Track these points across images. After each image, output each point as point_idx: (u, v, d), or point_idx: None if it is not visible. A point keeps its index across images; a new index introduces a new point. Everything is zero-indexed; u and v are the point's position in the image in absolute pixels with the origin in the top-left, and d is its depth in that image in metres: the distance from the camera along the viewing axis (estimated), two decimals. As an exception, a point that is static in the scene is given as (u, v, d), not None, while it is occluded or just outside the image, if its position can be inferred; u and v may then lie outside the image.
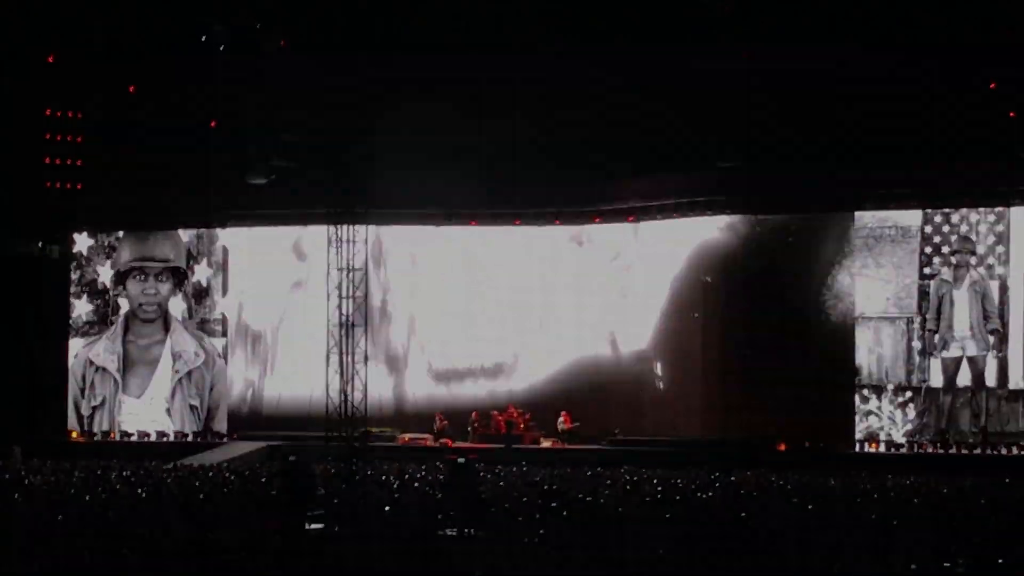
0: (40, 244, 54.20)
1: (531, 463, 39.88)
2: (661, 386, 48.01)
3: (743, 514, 24.98)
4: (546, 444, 46.48)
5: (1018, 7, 42.13)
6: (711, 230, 47.31)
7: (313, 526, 24.94)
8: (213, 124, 51.44)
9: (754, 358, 46.08)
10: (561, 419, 46.93)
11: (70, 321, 52.45)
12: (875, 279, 45.03)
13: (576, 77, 47.00)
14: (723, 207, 47.18)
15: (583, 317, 49.37)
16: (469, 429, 47.08)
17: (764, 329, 45.93)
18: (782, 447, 44.24)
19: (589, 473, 36.90)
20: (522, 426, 46.96)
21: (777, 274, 46.18)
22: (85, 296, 52.62)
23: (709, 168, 46.69)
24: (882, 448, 44.17)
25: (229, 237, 51.50)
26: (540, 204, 49.55)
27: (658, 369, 48.18)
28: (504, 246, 50.12)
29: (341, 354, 29.00)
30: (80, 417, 51.79)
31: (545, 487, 31.80)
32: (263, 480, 31.70)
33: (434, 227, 50.05)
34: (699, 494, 30.14)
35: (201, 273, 51.60)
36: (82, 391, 52.02)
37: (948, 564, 15.78)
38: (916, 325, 44.53)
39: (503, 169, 48.43)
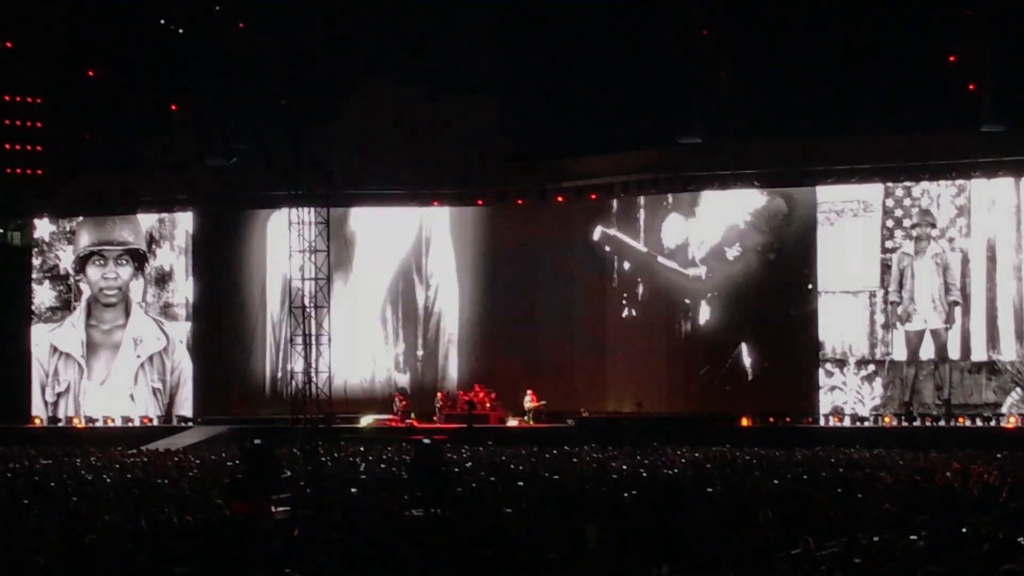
0: (1, 231, 53.98)
1: (497, 443, 39.98)
2: (625, 364, 48.05)
3: (709, 490, 25.06)
4: (512, 423, 46.47)
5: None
6: (673, 206, 47.42)
7: (278, 509, 24.87)
8: (174, 108, 51.28)
9: (716, 334, 46.29)
10: (527, 397, 46.92)
11: (32, 307, 52.21)
12: (837, 253, 45.13)
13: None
14: (685, 183, 47.20)
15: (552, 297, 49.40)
16: (436, 409, 47.03)
17: (726, 305, 46.12)
18: (746, 422, 44.32)
19: (555, 452, 36.99)
20: (488, 405, 46.94)
21: (739, 249, 46.28)
22: (47, 282, 52.38)
23: (669, 143, 46.78)
24: (847, 422, 44.32)
25: (191, 221, 51.25)
26: (501, 184, 49.56)
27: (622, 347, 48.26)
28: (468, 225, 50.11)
29: (305, 336, 28.93)
30: (45, 403, 51.59)
31: (511, 467, 31.89)
32: (228, 464, 31.64)
33: (397, 207, 49.92)
34: (665, 471, 30.23)
35: (163, 257, 51.37)
36: (47, 375, 51.82)
37: (913, 537, 15.85)
38: (879, 299, 44.68)
39: (466, 150, 48.47)
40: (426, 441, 28.60)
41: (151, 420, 50.35)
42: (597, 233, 48.88)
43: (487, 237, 50.04)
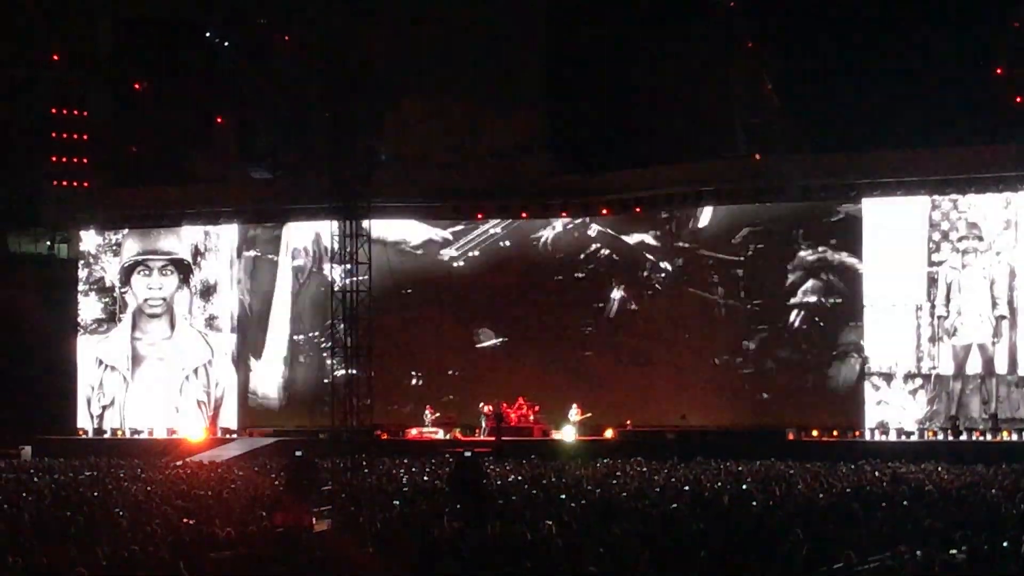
0: (48, 243, 54.33)
1: (541, 456, 39.90)
2: (669, 377, 47.91)
3: (753, 503, 24.94)
4: (557, 436, 46.32)
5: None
6: (714, 218, 47.31)
7: (319, 521, 24.89)
8: (219, 120, 51.54)
9: (762, 347, 46.17)
10: (573, 409, 46.75)
11: (79, 319, 52.49)
12: (884, 266, 44.86)
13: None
14: (730, 196, 47.06)
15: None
16: (482, 422, 46.84)
17: (773, 318, 46.01)
18: (791, 436, 44.06)
19: (599, 465, 36.88)
20: (531, 419, 46.82)
21: (784, 262, 46.16)
22: (93, 294, 52.65)
23: (713, 157, 46.65)
24: (893, 436, 44.00)
25: (236, 233, 51.40)
26: (546, 197, 49.51)
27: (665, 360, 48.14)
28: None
29: (347, 349, 28.94)
30: (90, 415, 51.86)
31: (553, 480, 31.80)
32: (270, 476, 31.70)
33: (440, 221, 49.94)
34: (708, 485, 30.08)
35: (208, 269, 51.57)
36: (92, 387, 52.09)
37: (954, 551, 15.73)
38: (925, 312, 44.38)
39: (510, 163, 48.54)
40: (467, 454, 28.59)
41: (195, 432, 50.45)
42: (642, 246, 48.76)
43: (531, 250, 49.95)
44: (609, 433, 46.10)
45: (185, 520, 23.39)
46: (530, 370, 49.30)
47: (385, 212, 45.95)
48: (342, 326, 29.10)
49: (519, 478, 32.79)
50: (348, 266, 29.59)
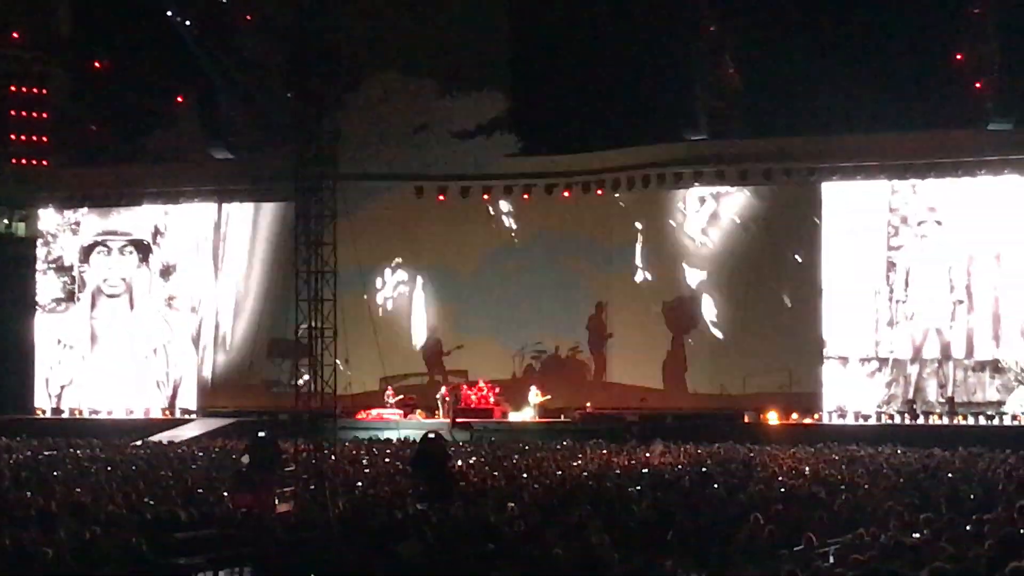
0: (6, 221, 54.00)
1: (502, 437, 40.02)
2: (630, 360, 48.06)
3: (715, 486, 25.07)
4: (516, 418, 46.44)
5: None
6: (677, 202, 47.44)
7: (282, 502, 24.88)
8: (180, 99, 51.29)
9: (722, 330, 46.37)
10: (533, 392, 46.84)
11: (37, 298, 52.20)
12: (842, 250, 45.05)
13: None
14: (691, 179, 47.19)
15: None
16: (439, 404, 46.85)
17: (734, 302, 46.19)
18: (747, 419, 44.24)
19: (559, 447, 37.02)
20: (491, 400, 46.93)
21: (744, 246, 46.33)
22: (51, 273, 52.36)
23: (676, 139, 46.73)
24: (850, 419, 44.23)
25: (197, 212, 51.25)
26: (508, 178, 49.50)
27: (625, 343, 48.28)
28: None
29: (310, 330, 28.84)
30: (48, 395, 51.61)
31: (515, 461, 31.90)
32: (232, 457, 31.64)
33: (405, 201, 49.84)
34: (668, 467, 30.24)
35: (168, 249, 51.35)
36: (51, 367, 51.84)
37: (917, 534, 15.87)
38: (883, 296, 44.60)
39: (473, 144, 48.51)
40: (429, 435, 28.63)
41: (153, 412, 50.34)
42: (603, 227, 48.89)
43: (493, 231, 49.95)
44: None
45: (146, 500, 23.37)
46: (491, 351, 49.35)
47: (349, 193, 45.80)
48: (305, 306, 29.01)
49: (481, 459, 32.91)
50: (312, 246, 29.48)
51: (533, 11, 47.76)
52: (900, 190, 44.64)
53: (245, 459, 25.27)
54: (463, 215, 49.95)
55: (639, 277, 48.27)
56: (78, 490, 24.76)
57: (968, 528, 16.09)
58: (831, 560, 14.12)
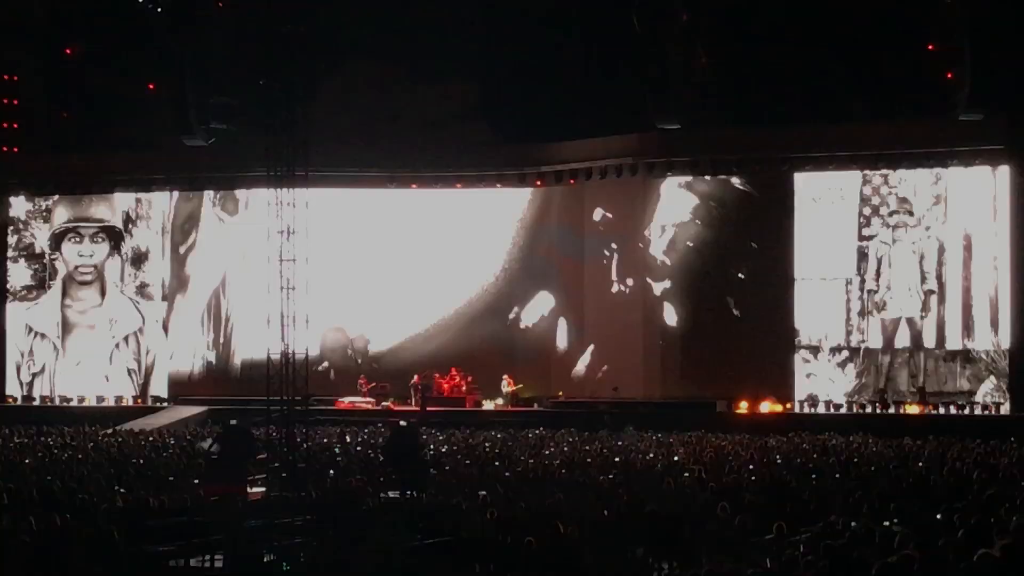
0: (-24, 209, 53.80)
1: (474, 426, 40.01)
2: (602, 349, 48.10)
3: (685, 475, 25.14)
4: (488, 406, 46.48)
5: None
6: (649, 191, 47.48)
7: (254, 490, 24.89)
8: (151, 87, 51.09)
9: (695, 320, 46.45)
10: (504, 381, 46.90)
11: (7, 286, 52.01)
12: (814, 240, 45.17)
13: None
14: (664, 169, 47.22)
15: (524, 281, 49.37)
16: (411, 392, 46.81)
17: (704, 292, 46.28)
18: (718, 408, 44.34)
19: (531, 436, 37.06)
20: (464, 389, 46.98)
21: (716, 235, 46.39)
22: (22, 260, 52.19)
23: (649, 129, 46.73)
24: (821, 408, 44.38)
25: (168, 200, 51.14)
26: (480, 167, 49.45)
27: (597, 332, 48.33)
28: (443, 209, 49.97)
29: (282, 317, 28.88)
30: (20, 383, 51.46)
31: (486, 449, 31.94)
32: (203, 444, 31.57)
33: (375, 190, 49.77)
34: (640, 456, 30.30)
35: (140, 237, 51.24)
36: (22, 355, 51.68)
37: (887, 523, 15.95)
38: (855, 286, 44.76)
39: (446, 133, 48.46)
40: (402, 424, 28.67)
41: (125, 400, 50.23)
42: (575, 217, 48.93)
43: (465, 221, 49.87)
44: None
45: (118, 488, 23.34)
46: (464, 341, 49.33)
47: (320, 181, 45.84)
48: (279, 295, 29.01)
49: (453, 448, 32.94)
50: (283, 234, 29.49)
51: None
52: (872, 180, 44.79)
53: (215, 447, 25.27)
54: (436, 203, 49.87)
55: (612, 266, 48.24)
56: (49, 478, 24.71)
57: (938, 517, 16.17)
58: (801, 549, 14.16)
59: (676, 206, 47.04)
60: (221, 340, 50.55)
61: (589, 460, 29.39)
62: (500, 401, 46.75)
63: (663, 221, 47.21)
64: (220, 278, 50.64)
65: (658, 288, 47.26)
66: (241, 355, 49.61)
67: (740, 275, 46.07)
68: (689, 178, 46.96)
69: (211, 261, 50.78)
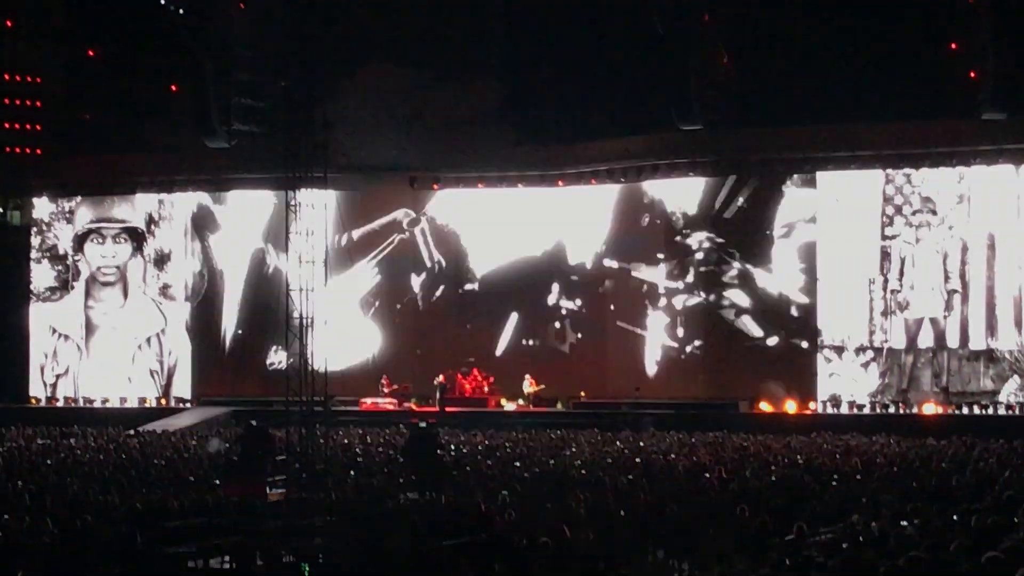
0: (0, 210, 53.97)
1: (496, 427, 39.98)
2: (624, 350, 47.99)
3: (706, 475, 25.10)
4: (510, 407, 46.40)
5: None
6: (674, 191, 47.38)
7: (274, 491, 24.92)
8: (174, 88, 51.19)
9: (717, 320, 46.36)
10: (527, 381, 46.82)
11: (31, 287, 52.18)
12: (837, 239, 45.02)
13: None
14: (686, 169, 47.10)
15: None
16: (437, 393, 46.68)
17: (726, 291, 46.18)
18: (741, 409, 44.24)
19: (553, 436, 37.00)
20: (485, 389, 46.95)
21: (741, 235, 46.26)
22: (46, 261, 52.36)
23: (671, 129, 46.62)
24: (845, 409, 44.24)
25: (191, 201, 51.26)
26: (503, 168, 49.37)
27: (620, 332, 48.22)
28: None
29: (302, 318, 28.91)
30: (43, 384, 51.62)
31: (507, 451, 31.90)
32: (225, 446, 31.64)
33: (398, 190, 49.78)
34: (662, 457, 30.24)
35: (162, 238, 51.35)
36: (45, 356, 51.83)
37: (904, 523, 15.87)
38: (878, 286, 44.61)
39: (468, 134, 48.40)
40: (422, 425, 28.66)
41: (149, 401, 50.34)
42: (599, 217, 48.82)
43: (487, 221, 49.79)
44: (560, 405, 46.43)
45: (138, 489, 23.40)
46: (486, 342, 49.31)
47: (343, 183, 46.01)
48: (297, 296, 29.06)
49: (474, 448, 32.91)
50: (304, 235, 29.56)
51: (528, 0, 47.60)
52: (894, 179, 44.62)
53: (223, 447, 25.34)
54: (457, 203, 49.89)
55: (639, 268, 48.07)
56: (70, 479, 24.78)
57: (955, 518, 16.09)
58: (813, 551, 14.10)
59: (701, 206, 46.81)
60: (243, 341, 50.56)
61: (610, 461, 29.35)
62: (522, 401, 46.70)
63: (684, 224, 47.01)
64: (242, 278, 50.64)
65: (681, 287, 47.11)
66: (264, 356, 49.59)
67: (763, 275, 45.85)
68: (710, 178, 46.81)
69: (234, 262, 50.79)
